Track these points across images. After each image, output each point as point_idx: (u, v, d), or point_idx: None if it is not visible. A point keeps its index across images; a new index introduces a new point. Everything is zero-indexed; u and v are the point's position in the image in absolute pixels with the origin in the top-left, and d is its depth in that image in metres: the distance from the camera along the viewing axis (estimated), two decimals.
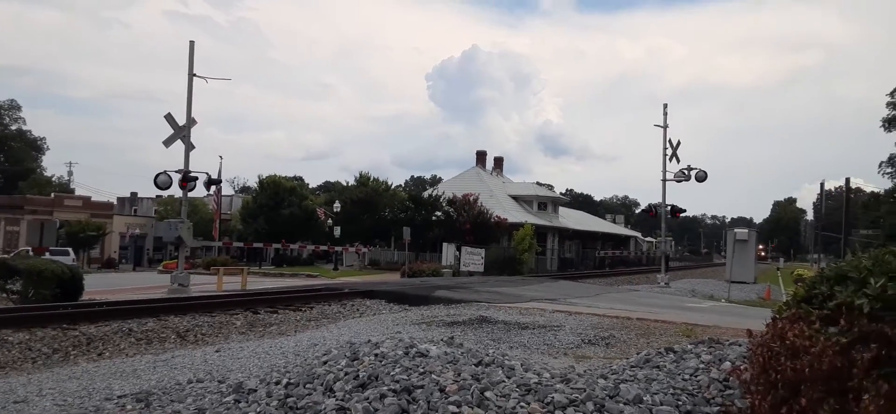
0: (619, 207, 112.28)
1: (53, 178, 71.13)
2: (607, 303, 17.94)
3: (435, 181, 78.04)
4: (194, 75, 20.78)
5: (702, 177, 29.57)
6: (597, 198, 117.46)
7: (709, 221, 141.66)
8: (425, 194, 46.63)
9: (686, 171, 29.72)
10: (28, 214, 44.22)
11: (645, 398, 4.53)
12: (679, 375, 5.51)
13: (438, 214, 41.53)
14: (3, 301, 15.77)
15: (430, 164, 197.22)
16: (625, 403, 4.34)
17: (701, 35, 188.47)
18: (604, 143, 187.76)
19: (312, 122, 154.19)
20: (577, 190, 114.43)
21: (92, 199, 54.61)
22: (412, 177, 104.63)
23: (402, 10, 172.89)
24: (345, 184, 62.53)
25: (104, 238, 47.92)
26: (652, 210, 33.18)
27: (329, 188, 76.62)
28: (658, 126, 30.39)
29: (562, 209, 57.65)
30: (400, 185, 66.48)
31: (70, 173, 72.90)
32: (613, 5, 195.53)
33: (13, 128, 74.91)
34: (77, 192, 60.72)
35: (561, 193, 78.20)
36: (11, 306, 14.48)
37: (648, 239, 74.79)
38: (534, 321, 13.14)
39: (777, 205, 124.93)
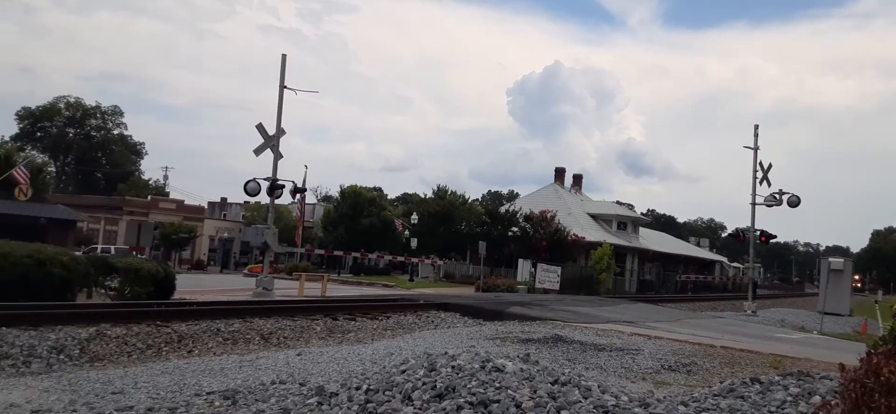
0: (704, 230, 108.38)
1: (150, 182, 75.38)
2: (689, 329, 17.36)
3: (512, 196, 77.82)
4: (285, 87, 21.63)
5: (794, 202, 28.21)
6: (680, 219, 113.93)
7: (801, 249, 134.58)
8: (502, 209, 46.56)
9: (777, 196, 28.44)
10: (126, 215, 47.07)
11: None
12: (765, 406, 5.30)
13: (514, 229, 41.36)
14: (102, 297, 16.82)
15: (508, 179, 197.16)
16: None
17: (794, 55, 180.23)
18: (689, 164, 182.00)
19: (392, 134, 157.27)
20: (659, 211, 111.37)
21: (185, 202, 57.53)
22: (489, 191, 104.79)
23: (484, 27, 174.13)
24: (422, 196, 63.30)
25: (195, 240, 50.34)
26: (740, 235, 31.92)
27: (407, 200, 77.73)
28: (748, 148, 29.25)
29: (642, 230, 56.20)
30: (476, 200, 66.75)
31: (166, 177, 77.22)
32: (701, 23, 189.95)
33: (115, 132, 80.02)
34: (172, 196, 64.05)
35: (642, 213, 76.28)
36: (110, 302, 15.44)
37: (735, 265, 71.76)
38: (611, 343, 12.89)
39: (877, 234, 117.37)
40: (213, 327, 12.04)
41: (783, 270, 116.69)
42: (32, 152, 64.17)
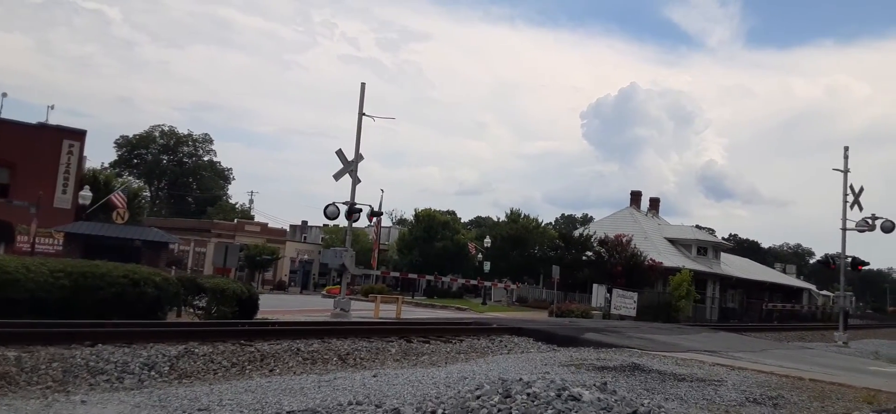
0: (791, 256, 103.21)
1: (237, 205, 78.66)
2: (775, 360, 16.57)
3: (586, 220, 76.66)
4: (363, 114, 22.25)
5: (888, 227, 26.63)
6: (765, 245, 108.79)
7: None
8: (576, 233, 45.95)
9: (870, 221, 26.92)
10: (214, 237, 49.26)
11: None
12: None
13: (589, 253, 40.71)
14: (190, 316, 17.62)
15: (582, 203, 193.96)
16: None
17: (886, 73, 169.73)
18: (774, 187, 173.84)
19: (467, 158, 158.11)
20: (742, 235, 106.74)
21: (268, 225, 59.70)
22: (563, 215, 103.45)
23: (558, 50, 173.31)
24: (495, 219, 63.26)
25: (277, 262, 52.07)
26: (830, 261, 30.32)
27: (480, 223, 77.84)
28: (838, 170, 27.84)
29: (724, 255, 54.12)
30: (550, 223, 66.06)
31: (251, 201, 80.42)
32: (787, 42, 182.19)
33: (205, 159, 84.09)
34: (256, 219, 66.59)
35: (723, 238, 73.49)
36: (198, 321, 16.18)
37: (824, 293, 67.89)
38: (691, 373, 12.47)
39: None
40: (293, 347, 12.41)
41: (877, 298, 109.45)
42: (129, 178, 68.22)
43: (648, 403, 5.16)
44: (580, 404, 4.40)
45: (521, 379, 5.02)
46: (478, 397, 4.67)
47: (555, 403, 4.34)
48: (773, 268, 72.78)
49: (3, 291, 12.58)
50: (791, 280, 66.84)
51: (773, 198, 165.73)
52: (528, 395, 4.52)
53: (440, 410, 4.51)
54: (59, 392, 8.09)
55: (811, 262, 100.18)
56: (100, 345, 10.24)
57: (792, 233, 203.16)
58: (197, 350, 11.00)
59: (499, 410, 4.30)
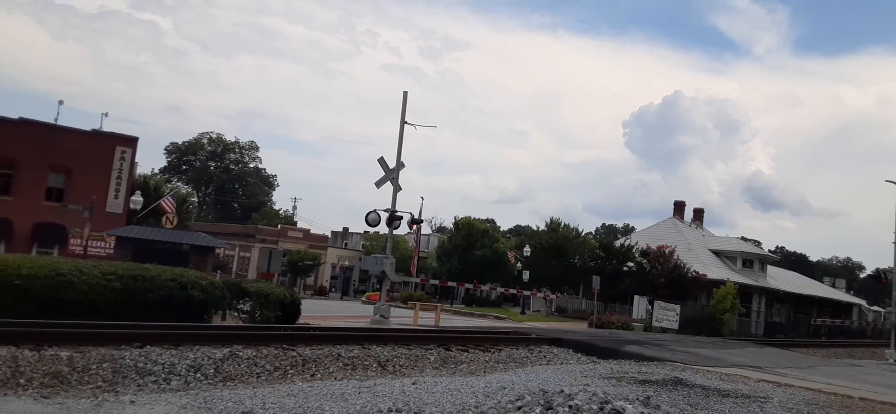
0: (840, 270, 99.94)
1: (281, 212, 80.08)
2: (823, 377, 16.09)
3: (627, 230, 75.65)
4: (405, 122, 22.44)
5: None
6: (813, 258, 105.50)
7: None
8: (617, 243, 45.37)
9: None
10: (258, 243, 50.21)
11: None
12: None
13: (630, 264, 40.13)
14: (235, 319, 18.00)
15: (624, 213, 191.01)
16: None
17: None
18: (823, 198, 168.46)
19: (507, 166, 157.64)
20: (790, 248, 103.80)
21: (311, 231, 60.57)
22: (604, 224, 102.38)
23: (600, 58, 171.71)
24: (535, 228, 62.95)
25: (318, 268, 52.77)
26: (882, 276, 29.34)
27: (520, 232, 77.48)
28: (890, 182, 26.97)
29: (770, 268, 52.72)
30: (590, 233, 65.39)
31: (294, 208, 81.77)
32: (836, 49, 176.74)
33: (251, 166, 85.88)
34: (299, 225, 67.62)
35: (770, 251, 71.65)
36: (242, 325, 16.52)
37: (875, 308, 65.48)
38: (736, 389, 12.21)
39: None
40: (334, 353, 12.57)
41: None
42: (178, 184, 70.13)
43: None
44: None
45: (562, 391, 5.01)
46: (519, 408, 4.68)
47: None
48: (822, 282, 70.58)
49: (57, 293, 13.08)
50: (840, 295, 64.71)
51: (822, 209, 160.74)
52: (571, 407, 4.51)
53: None
54: (109, 392, 8.38)
55: (861, 276, 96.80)
56: (148, 346, 10.57)
57: (841, 246, 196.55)
58: (241, 353, 11.25)
59: None
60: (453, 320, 27.83)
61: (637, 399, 5.35)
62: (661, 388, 11.51)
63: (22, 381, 8.26)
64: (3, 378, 8.19)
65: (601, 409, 4.44)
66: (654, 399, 9.62)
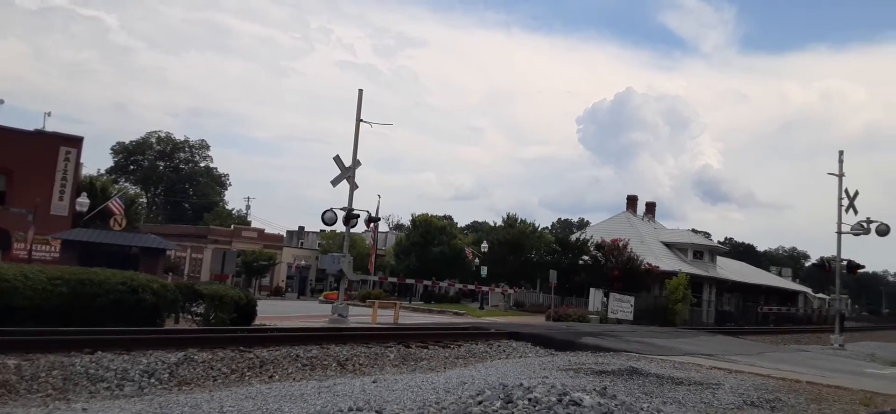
0: (786, 260, 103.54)
1: (233, 211, 78.54)
2: (772, 362, 16.66)
3: (582, 225, 76.74)
4: (361, 120, 22.30)
5: (883, 230, 26.82)
6: (760, 248, 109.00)
7: (891, 279, 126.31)
8: (572, 238, 46.03)
9: (865, 224, 27.10)
10: (211, 244, 49.20)
11: None
12: None
13: (585, 258, 40.79)
14: (188, 322, 17.61)
15: (578, 208, 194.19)
16: None
17: (881, 77, 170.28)
18: (770, 191, 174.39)
19: (463, 164, 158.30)
20: (738, 239, 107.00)
21: (265, 231, 59.64)
22: (559, 219, 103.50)
23: (553, 55, 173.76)
24: (492, 224, 63.33)
25: (274, 268, 52.02)
26: (825, 265, 30.47)
27: (477, 228, 77.87)
28: (832, 174, 28.02)
29: (720, 259, 54.27)
30: (547, 228, 66.09)
31: (248, 207, 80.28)
32: (781, 47, 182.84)
33: (202, 165, 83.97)
34: (253, 225, 66.48)
35: (719, 242, 73.76)
36: (197, 328, 16.18)
37: (820, 295, 68.07)
38: (689, 377, 12.54)
39: None
40: (292, 353, 12.43)
41: (872, 301, 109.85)
42: (126, 184, 68.12)
43: (648, 406, 5.22)
44: (581, 409, 4.46)
45: (521, 385, 5.07)
46: (480, 403, 4.72)
47: (556, 409, 4.40)
48: (769, 271, 73.00)
49: (1, 299, 12.58)
50: (787, 283, 67.08)
51: (768, 202, 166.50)
52: (530, 400, 4.57)
53: None
54: (60, 400, 8.11)
55: (807, 265, 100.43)
56: (99, 352, 10.26)
57: (788, 237, 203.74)
58: (196, 357, 11.02)
59: None
60: (412, 317, 27.80)
61: (594, 390, 5.45)
62: (617, 378, 11.74)
63: None
64: None
65: (560, 400, 4.51)
66: (611, 389, 9.81)
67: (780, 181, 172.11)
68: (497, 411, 4.42)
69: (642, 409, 4.86)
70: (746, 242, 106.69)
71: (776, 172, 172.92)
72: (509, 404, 4.51)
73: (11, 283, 12.84)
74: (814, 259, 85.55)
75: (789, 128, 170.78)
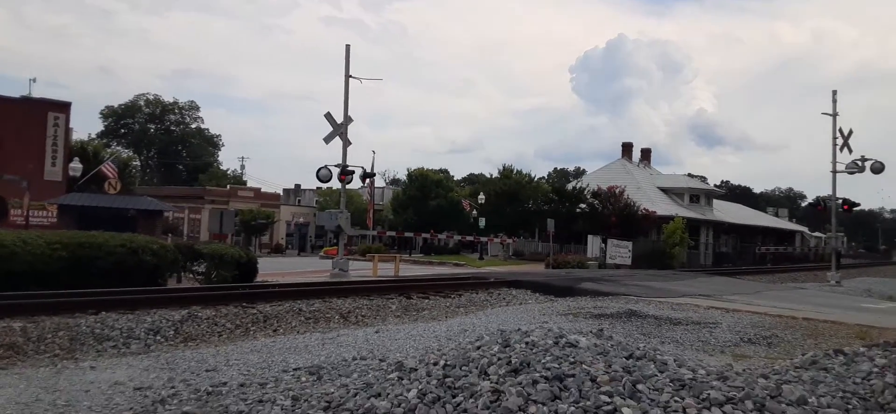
0: (783, 200, 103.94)
1: (228, 172, 78.29)
2: (769, 301, 16.88)
3: (579, 173, 76.79)
4: (350, 76, 22.08)
5: (878, 168, 26.87)
6: (756, 190, 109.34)
7: (888, 215, 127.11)
8: (569, 186, 46.08)
9: (859, 163, 27.14)
10: (208, 204, 49.16)
11: (810, 400, 4.35)
12: (849, 378, 5.21)
13: (583, 206, 40.92)
14: (190, 281, 17.76)
15: (574, 157, 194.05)
16: (787, 404, 4.20)
17: (873, 15, 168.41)
18: (765, 133, 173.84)
19: (457, 117, 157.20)
20: (734, 182, 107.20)
21: (262, 190, 59.52)
22: (556, 169, 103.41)
23: (543, 4, 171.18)
24: (488, 176, 63.36)
25: (273, 226, 52.11)
26: (821, 204, 30.61)
27: (473, 180, 77.82)
28: (826, 114, 27.95)
29: (716, 202, 54.48)
30: (543, 178, 66.13)
31: (242, 167, 79.99)
32: None
33: (193, 126, 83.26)
34: (249, 184, 66.33)
35: (715, 185, 73.88)
36: (199, 286, 16.31)
37: (816, 234, 68.58)
38: (687, 317, 12.72)
39: None
40: (295, 307, 12.57)
41: (868, 238, 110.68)
42: (118, 148, 67.67)
43: (644, 346, 5.30)
44: (577, 350, 4.53)
45: (519, 329, 5.14)
46: (478, 348, 4.79)
47: (552, 350, 4.47)
48: (766, 212, 73.38)
49: (2, 265, 12.63)
50: (783, 223, 67.51)
51: (764, 143, 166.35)
52: (527, 343, 4.64)
53: (442, 362, 4.64)
54: (68, 359, 8.22)
55: (803, 205, 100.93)
56: (104, 313, 10.37)
57: (783, 177, 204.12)
58: (200, 314, 11.15)
59: (498, 359, 4.43)
60: (413, 270, 28.00)
61: (591, 332, 5.52)
62: (615, 320, 11.91)
63: None
64: None
65: (556, 342, 4.58)
66: (608, 331, 9.94)
67: (775, 122, 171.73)
68: (495, 355, 4.49)
69: (639, 348, 4.94)
70: (743, 184, 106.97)
71: (771, 114, 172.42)
72: (507, 348, 4.58)
73: (10, 248, 12.88)
74: (810, 199, 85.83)
75: (783, 68, 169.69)
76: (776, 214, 73.36)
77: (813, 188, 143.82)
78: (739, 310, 14.18)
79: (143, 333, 9.77)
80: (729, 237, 52.02)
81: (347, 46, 22.41)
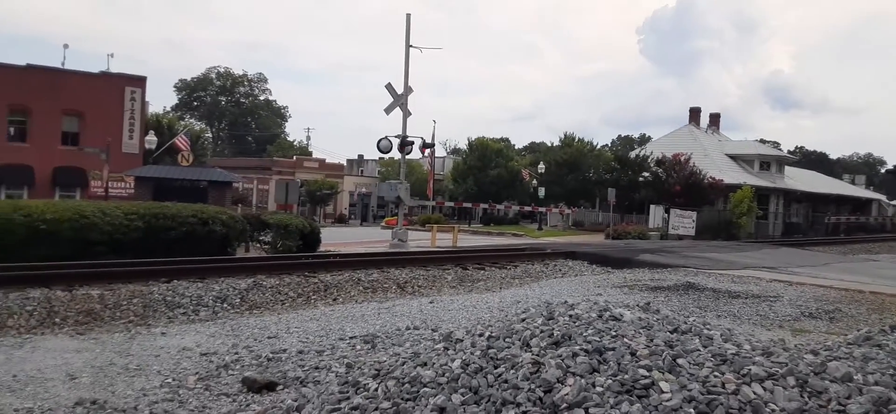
0: (861, 167, 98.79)
1: (295, 143, 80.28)
2: (837, 274, 16.32)
3: (644, 140, 75.06)
4: (411, 46, 22.24)
5: None
6: (833, 156, 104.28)
7: None
8: (632, 154, 45.19)
9: None
10: (275, 175, 50.67)
11: (856, 377, 4.29)
12: None
13: (646, 174, 40.09)
14: (257, 250, 18.49)
15: (640, 123, 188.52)
16: (831, 381, 4.16)
17: None
18: (846, 95, 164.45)
19: (519, 84, 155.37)
20: (810, 147, 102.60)
21: (326, 160, 60.87)
22: (620, 136, 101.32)
23: None
24: (549, 144, 62.68)
25: (337, 196, 53.33)
26: None
27: (534, 149, 77.26)
28: None
29: (788, 169, 52.34)
30: (606, 145, 64.99)
31: (308, 138, 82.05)
32: None
33: (262, 98, 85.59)
34: (314, 155, 67.89)
35: (789, 151, 70.93)
36: (265, 255, 16.98)
37: (894, 203, 65.13)
38: (747, 290, 12.49)
39: None
40: (354, 277, 12.99)
41: None
42: (191, 121, 70.28)
43: (693, 320, 5.31)
44: (620, 324, 4.59)
45: (565, 302, 5.24)
46: (523, 320, 4.92)
47: (595, 324, 4.55)
48: (842, 179, 70.05)
49: (82, 234, 13.49)
50: (859, 191, 64.30)
51: (844, 106, 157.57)
52: (571, 316, 4.73)
53: (487, 333, 4.79)
54: (141, 325, 8.82)
55: (882, 171, 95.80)
56: (175, 281, 10.99)
57: (864, 142, 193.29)
58: (265, 283, 11.67)
59: (541, 331, 4.54)
60: (471, 240, 28.26)
61: (637, 306, 5.57)
62: (672, 293, 11.80)
63: (57, 319, 8.70)
64: (39, 318, 8.64)
65: (600, 316, 4.66)
66: (664, 304, 9.91)
67: (856, 83, 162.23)
68: (538, 327, 4.61)
69: (685, 322, 4.96)
70: (819, 150, 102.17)
71: (853, 74, 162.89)
72: (550, 321, 4.69)
73: (90, 219, 13.72)
74: (891, 165, 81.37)
75: (868, 25, 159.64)
76: (852, 182, 69.93)
77: (895, 153, 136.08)
78: (803, 283, 13.80)
79: (212, 300, 10.33)
80: (800, 206, 50.01)
81: (408, 15, 22.53)
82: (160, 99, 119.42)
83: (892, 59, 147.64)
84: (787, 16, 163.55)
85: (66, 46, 63.30)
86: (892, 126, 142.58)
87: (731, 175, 42.59)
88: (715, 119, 57.50)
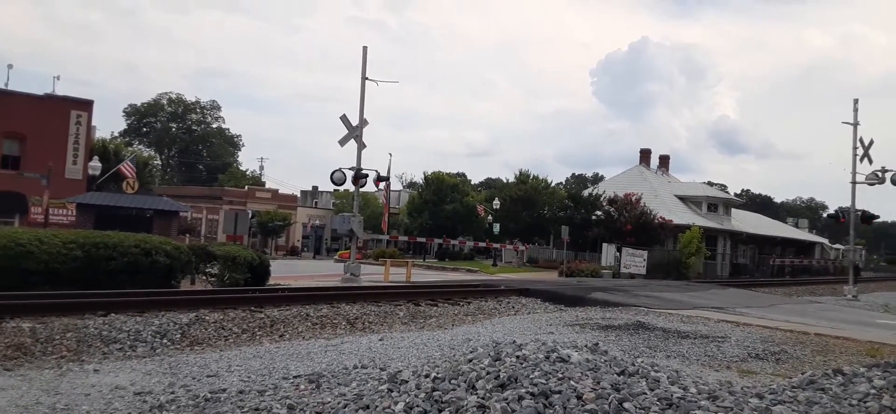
0: (804, 210, 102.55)
1: (247, 172, 79.02)
2: (782, 315, 16.68)
3: (597, 179, 76.47)
4: (366, 79, 22.21)
5: None
6: (777, 199, 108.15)
7: None
8: (585, 193, 45.89)
9: (880, 174, 26.73)
10: (226, 204, 49.65)
11: None
12: (845, 400, 5.13)
13: (598, 213, 40.72)
14: (203, 283, 17.92)
15: (593, 162, 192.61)
16: None
17: None
18: (788, 141, 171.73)
19: (476, 119, 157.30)
20: (755, 190, 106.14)
21: (279, 191, 59.99)
22: (573, 174, 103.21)
23: (565, 5, 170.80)
24: (505, 181, 63.26)
25: (289, 227, 52.49)
26: (840, 215, 30.19)
27: (490, 185, 77.83)
28: (847, 123, 27.55)
29: (735, 211, 53.90)
30: (560, 183, 65.89)
31: (261, 168, 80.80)
32: None
33: (214, 126, 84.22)
34: (267, 185, 66.87)
35: (735, 194, 73.18)
36: (209, 289, 16.46)
37: (837, 246, 67.54)
38: (696, 330, 12.62)
39: None
40: (302, 312, 12.65)
41: (890, 251, 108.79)
42: (139, 147, 68.56)
43: (640, 362, 5.28)
44: (567, 366, 4.52)
45: (513, 342, 5.15)
46: (469, 361, 4.81)
47: (542, 365, 4.47)
48: (786, 222, 72.47)
49: (17, 263, 12.87)
50: (803, 234, 66.59)
51: (787, 151, 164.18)
52: (518, 357, 4.65)
53: (433, 374, 4.66)
54: (73, 361, 8.34)
55: (824, 215, 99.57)
56: (113, 314, 10.51)
57: (806, 187, 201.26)
58: (208, 317, 11.25)
59: (487, 373, 4.44)
60: (425, 275, 28.05)
61: (585, 346, 5.51)
62: (622, 332, 11.84)
63: None
64: None
65: (547, 357, 4.58)
66: (614, 343, 9.92)
67: (799, 130, 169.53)
68: (484, 369, 4.50)
69: (633, 364, 4.92)
70: (764, 193, 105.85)
71: (796, 121, 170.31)
72: (497, 362, 4.59)
73: (27, 247, 13.11)
74: (832, 209, 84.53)
75: (810, 75, 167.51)
76: (796, 225, 72.42)
77: (835, 198, 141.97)
78: (751, 324, 14.03)
79: (150, 335, 9.89)
80: (747, 248, 51.43)
81: (364, 48, 22.55)
82: (108, 124, 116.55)
83: (833, 107, 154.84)
84: (733, 64, 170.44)
85: (10, 66, 61.30)
86: (831, 173, 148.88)
87: (681, 216, 43.59)
88: (664, 160, 59.03)
